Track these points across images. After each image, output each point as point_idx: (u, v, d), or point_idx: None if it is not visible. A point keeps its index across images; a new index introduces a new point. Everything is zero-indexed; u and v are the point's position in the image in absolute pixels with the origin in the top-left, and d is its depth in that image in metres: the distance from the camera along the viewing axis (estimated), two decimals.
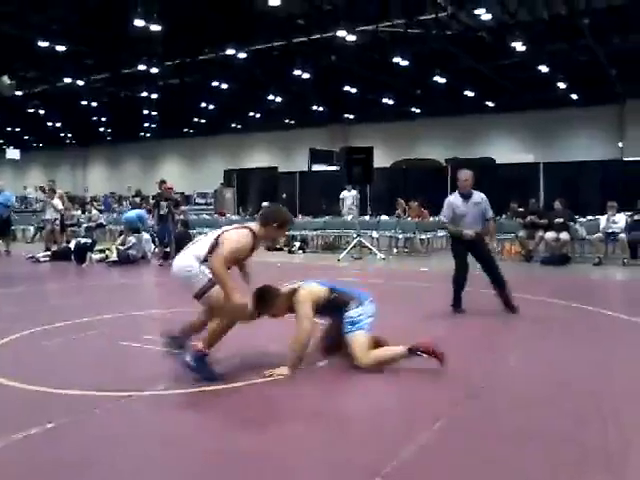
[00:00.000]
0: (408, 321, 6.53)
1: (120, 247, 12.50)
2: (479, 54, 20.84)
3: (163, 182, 13.21)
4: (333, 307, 4.84)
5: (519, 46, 18.80)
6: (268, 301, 4.71)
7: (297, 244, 15.38)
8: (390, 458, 3.14)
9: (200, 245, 4.58)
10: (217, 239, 4.49)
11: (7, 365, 4.91)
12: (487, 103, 29.07)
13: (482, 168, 21.39)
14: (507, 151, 27.13)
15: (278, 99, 28.64)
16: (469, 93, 26.83)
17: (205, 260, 4.42)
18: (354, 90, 26.27)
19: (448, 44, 19.43)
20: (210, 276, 4.37)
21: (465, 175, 7.15)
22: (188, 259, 4.53)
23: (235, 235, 4.49)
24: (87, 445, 3.43)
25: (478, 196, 7.16)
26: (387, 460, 3.11)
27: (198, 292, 4.45)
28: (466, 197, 7.13)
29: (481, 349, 5.61)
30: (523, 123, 29.18)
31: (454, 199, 7.24)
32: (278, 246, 14.62)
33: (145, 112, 32.98)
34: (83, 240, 13.01)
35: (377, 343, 4.86)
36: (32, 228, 18.85)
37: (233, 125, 37.29)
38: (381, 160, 21.41)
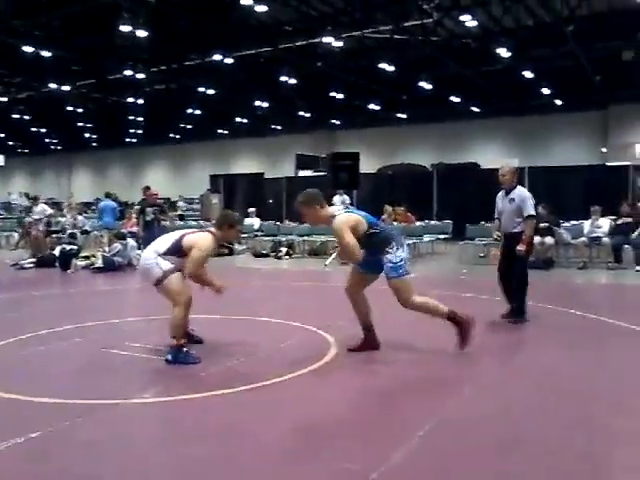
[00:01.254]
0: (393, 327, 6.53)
1: (105, 254, 12.41)
2: (464, 60, 20.98)
3: (148, 188, 13.16)
4: (371, 244, 4.91)
5: (504, 52, 18.97)
6: (317, 203, 5.04)
7: (284, 249, 15.37)
8: (380, 463, 3.14)
9: (161, 242, 5.26)
10: (180, 241, 5.14)
11: None
12: (472, 108, 29.28)
13: (467, 173, 21.59)
14: (492, 156, 27.26)
15: (264, 105, 28.66)
16: (455, 99, 27.00)
17: (164, 254, 5.10)
18: (340, 96, 26.34)
19: (434, 50, 19.56)
20: (164, 268, 5.05)
21: (502, 170, 6.88)
22: (149, 253, 5.24)
23: (200, 240, 5.12)
24: (72, 455, 3.41)
25: (516, 192, 6.80)
26: (377, 465, 3.12)
27: (155, 281, 5.09)
28: (507, 192, 6.88)
29: (475, 353, 5.62)
30: (508, 128, 29.41)
31: (500, 194, 7.01)
32: (226, 247, 14.82)
33: (131, 118, 32.87)
34: (68, 247, 12.90)
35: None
36: (16, 235, 18.68)
37: (219, 131, 37.25)
38: (367, 165, 21.46)
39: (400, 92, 26.13)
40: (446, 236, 15.52)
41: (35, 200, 15.24)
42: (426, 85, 23.80)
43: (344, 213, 5.07)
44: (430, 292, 7.38)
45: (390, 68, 21.00)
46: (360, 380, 4.66)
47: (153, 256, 5.16)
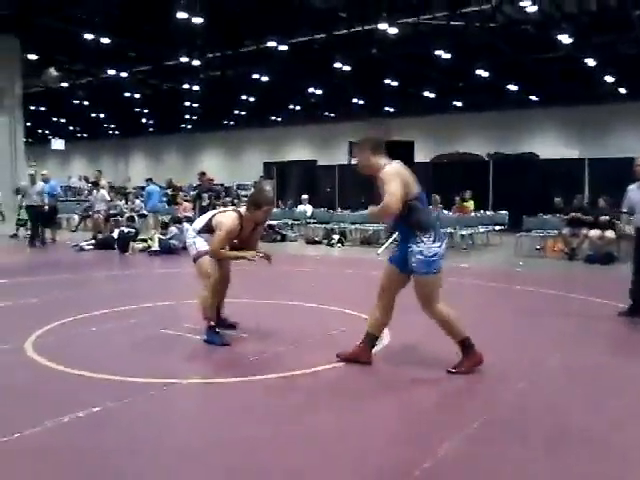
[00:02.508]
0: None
1: (162, 237, 12.66)
2: (523, 47, 20.42)
3: (203, 174, 13.32)
4: (409, 221, 4.24)
5: (565, 38, 18.35)
6: (370, 147, 4.44)
7: (336, 237, 15.36)
8: (431, 454, 3.12)
9: (199, 221, 5.54)
10: (211, 220, 5.31)
11: (53, 350, 5.03)
12: (530, 97, 28.52)
13: (525, 163, 21.11)
14: (551, 146, 26.58)
15: (318, 92, 28.60)
16: (512, 87, 26.35)
17: (199, 232, 5.33)
18: (394, 83, 26.05)
19: (491, 37, 19.10)
20: (199, 247, 5.28)
21: (638, 160, 6.57)
22: (190, 231, 5.57)
23: (224, 219, 5.19)
24: (131, 430, 3.49)
25: None
26: (427, 456, 3.09)
27: (193, 259, 5.37)
28: None
29: (527, 348, 5.50)
30: (568, 118, 28.54)
31: (632, 186, 6.62)
32: (278, 234, 14.86)
33: (186, 104, 33.32)
34: (126, 230, 13.23)
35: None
36: (76, 216, 19.26)
37: (273, 118, 37.41)
38: (420, 154, 21.21)
39: (456, 80, 25.67)
40: (501, 227, 15.22)
41: (96, 185, 15.56)
42: (483, 72, 23.30)
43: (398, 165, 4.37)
44: (486, 284, 7.27)
45: (446, 55, 20.63)
46: (410, 371, 4.61)
47: (192, 234, 5.42)
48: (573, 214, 12.60)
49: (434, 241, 4.23)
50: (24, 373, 4.49)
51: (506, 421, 3.68)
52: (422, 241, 4.20)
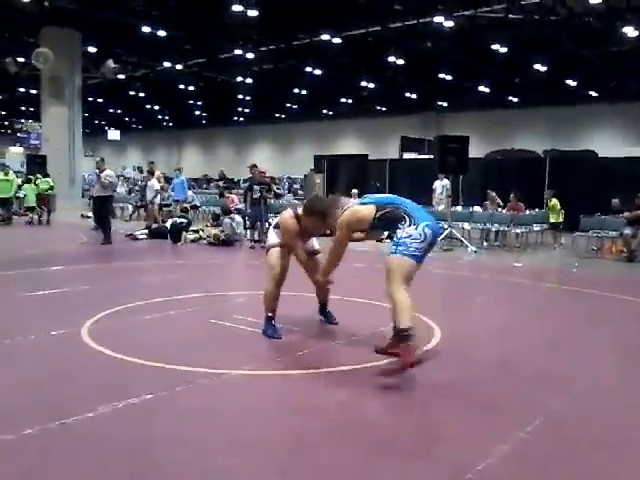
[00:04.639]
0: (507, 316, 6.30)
1: (216, 231, 12.82)
2: (584, 40, 19.79)
3: (255, 166, 13.37)
4: (388, 222, 4.52)
5: (630, 31, 17.71)
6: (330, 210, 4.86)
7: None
8: (484, 456, 3.05)
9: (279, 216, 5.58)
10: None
11: (107, 336, 5.12)
12: (590, 92, 27.66)
13: (583, 161, 20.48)
14: (611, 144, 25.73)
15: (370, 85, 28.41)
16: (570, 82, 25.61)
17: (275, 227, 5.42)
18: (448, 77, 25.66)
19: (551, 30, 18.58)
20: (270, 241, 5.39)
21: None
22: (272, 224, 5.64)
23: (282, 217, 5.29)
24: (181, 419, 3.52)
25: None
26: (480, 458, 3.02)
27: (265, 250, 5.48)
28: None
29: (583, 352, 5.33)
30: (629, 114, 27.54)
31: None
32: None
33: (239, 97, 33.61)
34: (179, 220, 13.42)
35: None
36: (130, 206, 19.66)
37: (324, 111, 37.39)
38: (474, 150, 20.81)
39: (512, 74, 25.11)
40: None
41: (151, 174, 15.83)
42: (540, 67, 22.71)
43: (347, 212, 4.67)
44: (541, 285, 7.07)
45: (503, 49, 20.19)
46: (460, 371, 4.51)
47: (272, 229, 5.54)
48: (634, 212, 12.09)
49: (410, 225, 4.34)
50: (79, 359, 4.59)
51: (559, 425, 3.57)
52: (400, 228, 4.37)
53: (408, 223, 4.35)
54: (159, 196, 15.42)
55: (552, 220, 13.84)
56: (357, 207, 4.66)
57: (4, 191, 17.12)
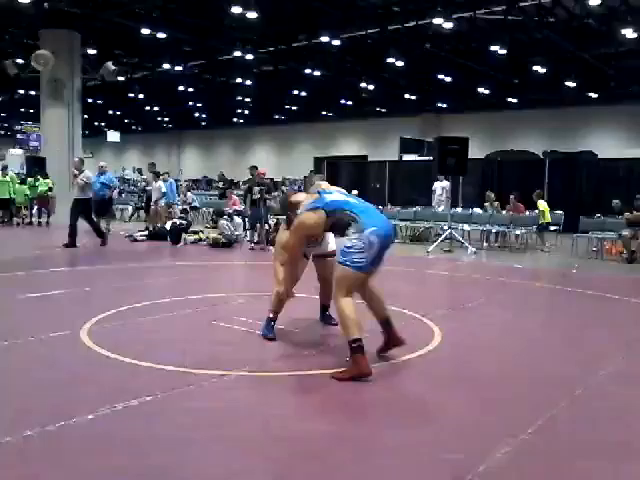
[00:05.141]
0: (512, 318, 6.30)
1: (215, 235, 12.81)
2: (583, 42, 19.78)
3: (255, 168, 13.37)
4: (336, 228, 4.53)
5: (629, 33, 17.70)
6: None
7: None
8: (486, 456, 3.04)
9: None
10: None
11: (107, 338, 5.12)
12: (589, 94, 27.65)
13: (582, 162, 20.49)
14: (610, 145, 25.75)
15: (370, 87, 28.42)
16: (570, 83, 25.61)
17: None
18: (448, 79, 25.66)
19: (550, 31, 18.59)
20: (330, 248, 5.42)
21: None
22: None
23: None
24: (181, 421, 3.51)
25: None
26: (482, 458, 3.02)
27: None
28: None
29: (586, 354, 5.32)
30: (628, 116, 27.54)
31: None
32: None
33: (239, 98, 33.61)
34: (178, 221, 13.43)
35: (370, 293, 4.64)
36: (130, 208, 19.66)
37: (324, 113, 37.39)
38: (474, 151, 20.83)
39: (511, 76, 25.12)
40: (556, 228, 14.80)
41: (158, 176, 15.69)
42: (540, 69, 22.71)
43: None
44: (541, 287, 7.09)
45: (502, 51, 20.18)
46: (463, 373, 4.50)
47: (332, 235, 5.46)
48: (635, 214, 12.08)
49: (354, 233, 4.27)
50: (79, 360, 4.58)
51: (562, 427, 3.56)
52: (347, 235, 4.32)
53: (353, 229, 4.28)
54: (164, 198, 15.37)
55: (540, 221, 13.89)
56: (308, 213, 4.54)
57: (3, 192, 17.11)
